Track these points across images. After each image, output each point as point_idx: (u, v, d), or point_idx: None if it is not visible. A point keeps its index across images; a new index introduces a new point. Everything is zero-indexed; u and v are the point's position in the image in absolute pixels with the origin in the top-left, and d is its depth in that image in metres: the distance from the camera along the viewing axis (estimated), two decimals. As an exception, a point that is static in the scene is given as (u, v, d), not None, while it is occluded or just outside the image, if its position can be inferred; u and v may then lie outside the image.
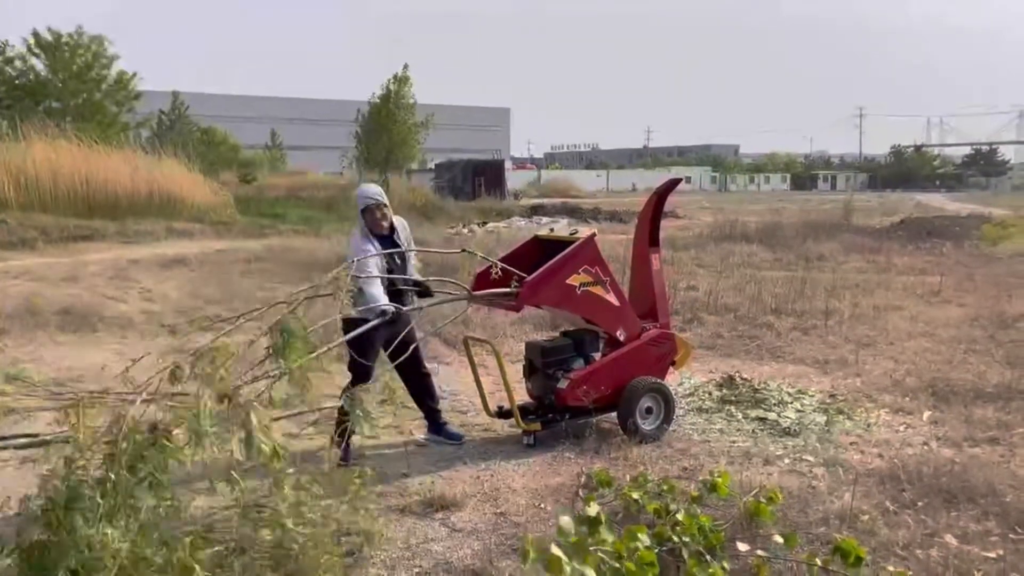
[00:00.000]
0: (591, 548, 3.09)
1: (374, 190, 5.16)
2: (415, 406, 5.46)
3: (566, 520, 3.14)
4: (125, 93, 29.77)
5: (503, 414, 5.33)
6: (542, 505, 4.25)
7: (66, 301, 10.05)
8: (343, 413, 5.03)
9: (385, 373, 4.81)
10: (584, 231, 5.25)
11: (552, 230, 5.44)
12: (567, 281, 4.97)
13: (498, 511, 4.21)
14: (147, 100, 31.91)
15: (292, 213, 24.46)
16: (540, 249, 5.28)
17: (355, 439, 5.33)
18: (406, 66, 37.33)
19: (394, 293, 4.97)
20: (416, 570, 3.60)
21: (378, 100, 37.49)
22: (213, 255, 15.44)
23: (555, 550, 2.90)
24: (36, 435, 5.35)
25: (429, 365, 5.63)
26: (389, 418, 5.84)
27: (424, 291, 5.09)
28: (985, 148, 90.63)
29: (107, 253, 15.44)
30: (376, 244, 4.98)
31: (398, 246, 5.10)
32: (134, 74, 29.67)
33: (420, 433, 5.51)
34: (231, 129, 47.49)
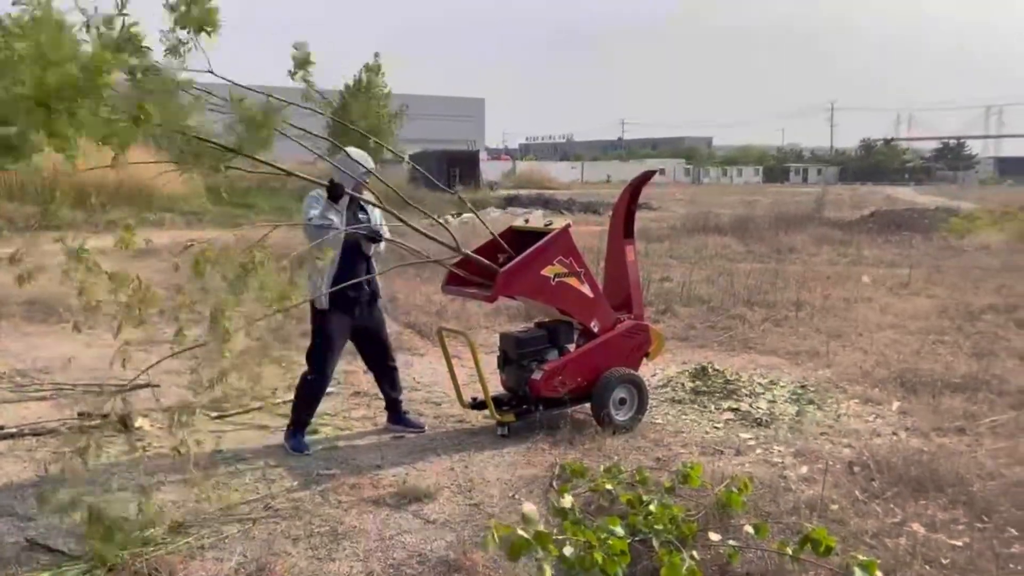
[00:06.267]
0: (562, 538, 3.11)
1: (370, 161, 4.98)
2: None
3: (530, 507, 3.15)
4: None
5: (477, 405, 5.32)
6: (516, 496, 4.25)
7: (32, 291, 9.85)
8: (298, 403, 5.01)
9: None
10: (559, 222, 5.26)
11: (527, 221, 5.42)
12: (542, 272, 4.97)
13: (472, 502, 4.20)
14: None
15: (265, 203, 24.19)
16: (515, 240, 5.26)
17: (326, 430, 5.33)
18: (377, 55, 36.99)
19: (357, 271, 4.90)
20: (390, 562, 3.58)
21: (350, 88, 37.08)
22: (180, 246, 15.20)
23: (519, 532, 2.92)
24: (1, 427, 5.25)
25: (403, 358, 5.61)
26: (362, 410, 5.82)
27: (375, 237, 4.96)
28: (953, 142, 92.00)
29: (75, 243, 15.15)
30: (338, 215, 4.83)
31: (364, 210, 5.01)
32: (112, 58, 29.04)
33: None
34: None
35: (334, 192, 4.74)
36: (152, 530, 3.73)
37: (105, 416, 4.99)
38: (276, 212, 22.26)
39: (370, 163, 4.93)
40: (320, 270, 4.57)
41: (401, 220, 4.74)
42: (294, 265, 3.70)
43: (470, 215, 5.01)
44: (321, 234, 4.53)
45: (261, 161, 4.04)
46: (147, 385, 5.66)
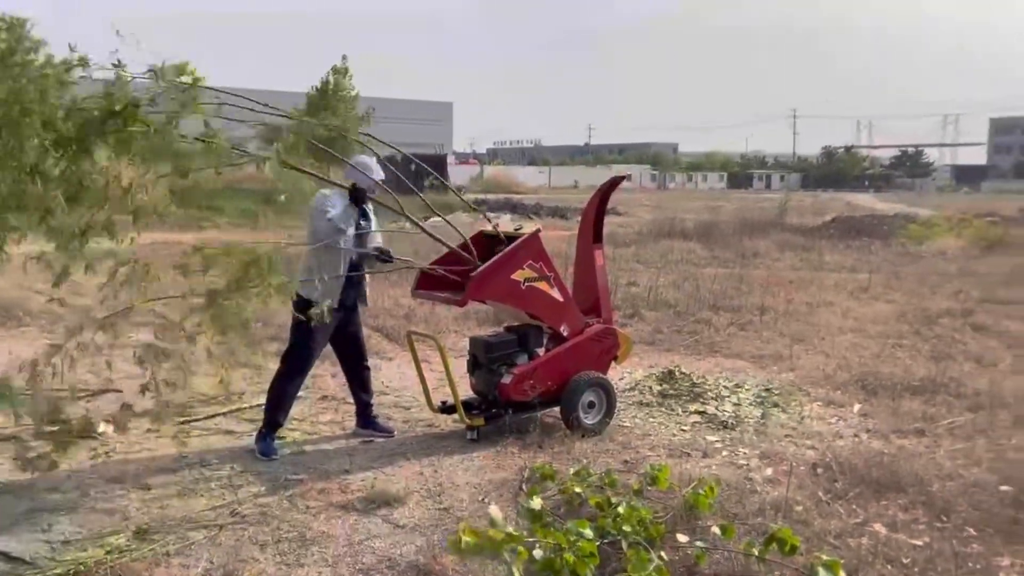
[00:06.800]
0: (532, 540, 3.13)
1: (380, 171, 5.01)
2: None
3: (495, 510, 3.17)
4: (57, 79, 28.60)
5: (446, 409, 5.32)
6: (485, 500, 4.25)
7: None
8: (272, 404, 4.98)
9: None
10: (528, 227, 5.30)
11: (497, 225, 5.45)
12: (512, 276, 4.99)
13: (441, 507, 4.20)
14: (94, 87, 30.62)
15: (230, 206, 23.89)
16: (485, 244, 5.28)
17: (295, 435, 5.29)
18: (345, 57, 36.80)
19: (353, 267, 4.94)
20: (359, 567, 3.57)
21: (316, 91, 36.82)
22: (146, 248, 14.99)
23: (490, 535, 2.94)
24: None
25: (371, 362, 5.59)
26: (330, 414, 5.79)
27: (386, 258, 5.03)
28: (912, 150, 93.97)
29: (33, 245, 14.85)
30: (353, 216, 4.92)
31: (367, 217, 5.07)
32: (80, 59, 28.51)
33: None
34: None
35: (359, 196, 4.82)
36: (116, 537, 3.68)
37: (66, 422, 4.92)
38: (241, 215, 22.03)
39: (380, 173, 4.98)
40: (323, 269, 4.66)
41: (417, 224, 4.80)
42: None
43: (438, 218, 5.01)
44: (340, 235, 4.73)
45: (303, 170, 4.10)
46: (110, 390, 5.62)
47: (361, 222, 5.02)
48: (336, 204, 4.83)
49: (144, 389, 3.85)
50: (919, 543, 3.69)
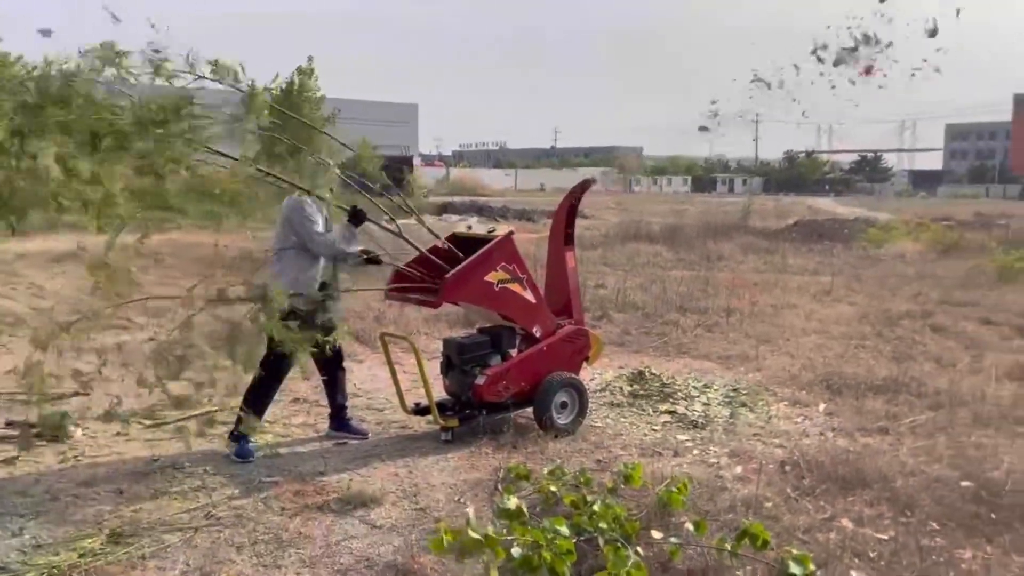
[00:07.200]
0: (511, 538, 3.17)
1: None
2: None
3: (472, 511, 3.21)
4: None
5: (420, 411, 5.34)
6: (461, 500, 4.28)
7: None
8: (247, 407, 4.96)
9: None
10: (501, 229, 5.34)
11: (470, 227, 5.48)
12: (486, 278, 5.03)
13: (418, 507, 4.22)
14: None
15: (192, 207, 23.53)
16: (457, 246, 5.31)
17: (267, 437, 5.27)
18: (311, 58, 36.59)
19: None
20: (337, 567, 3.58)
21: (279, 92, 36.45)
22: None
23: (470, 534, 2.97)
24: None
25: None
26: (302, 417, 5.78)
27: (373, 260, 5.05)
28: (871, 155, 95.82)
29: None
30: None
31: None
32: (19, 57, 27.94)
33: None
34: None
35: (358, 218, 4.88)
36: (90, 540, 3.65)
37: (34, 425, 4.86)
38: (204, 216, 21.73)
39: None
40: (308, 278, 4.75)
41: (420, 220, 4.79)
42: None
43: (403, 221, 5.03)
44: (337, 252, 4.82)
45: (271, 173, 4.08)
46: (79, 393, 5.54)
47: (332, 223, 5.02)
48: (315, 215, 4.83)
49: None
50: (885, 537, 3.80)
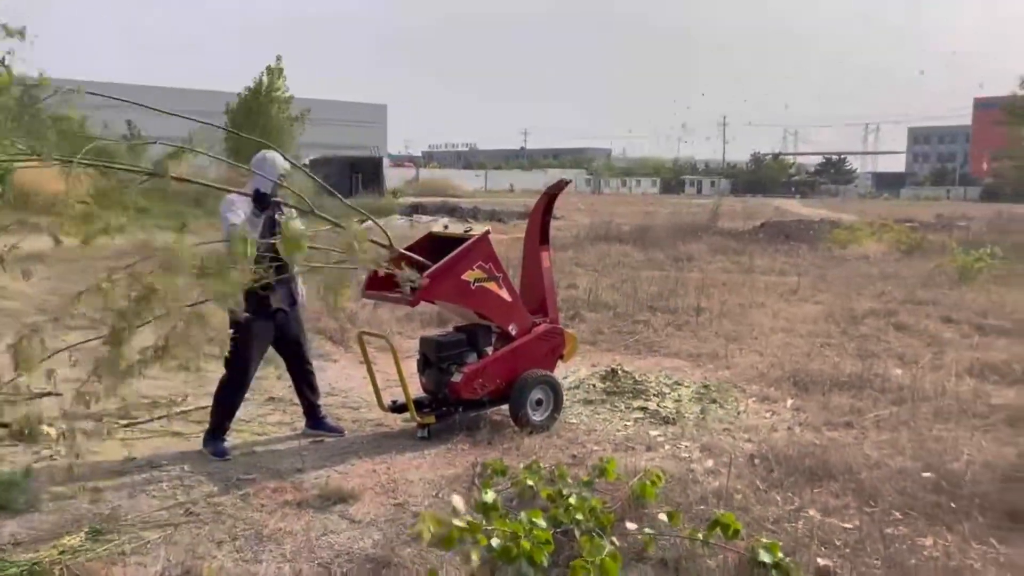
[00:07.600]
0: (491, 528, 3.24)
1: (284, 162, 4.89)
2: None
3: (458, 499, 3.27)
4: None
5: (397, 408, 5.39)
6: (439, 495, 4.34)
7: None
8: (217, 408, 4.97)
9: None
10: (477, 228, 5.41)
11: (446, 227, 5.54)
12: (462, 277, 5.09)
13: (396, 502, 4.28)
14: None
15: (157, 207, 23.27)
16: (433, 246, 5.37)
17: (244, 435, 5.29)
18: (279, 58, 36.29)
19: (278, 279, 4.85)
20: (318, 561, 3.62)
21: (248, 92, 36.16)
22: (73, 251, 14.54)
23: (453, 522, 3.03)
24: None
25: (316, 364, 5.62)
26: (278, 415, 5.80)
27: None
28: (835, 157, 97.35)
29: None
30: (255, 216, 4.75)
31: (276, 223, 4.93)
32: (2, 59, 27.41)
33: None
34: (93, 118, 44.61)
35: (261, 202, 4.71)
36: (69, 538, 3.66)
37: (5, 425, 4.83)
38: (170, 217, 21.51)
39: (285, 164, 4.90)
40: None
41: (334, 222, 4.70)
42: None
43: (370, 222, 5.02)
44: (227, 231, 4.54)
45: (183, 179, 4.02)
46: (49, 394, 5.51)
47: (278, 218, 4.77)
48: (238, 210, 4.72)
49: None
50: (850, 526, 3.93)
